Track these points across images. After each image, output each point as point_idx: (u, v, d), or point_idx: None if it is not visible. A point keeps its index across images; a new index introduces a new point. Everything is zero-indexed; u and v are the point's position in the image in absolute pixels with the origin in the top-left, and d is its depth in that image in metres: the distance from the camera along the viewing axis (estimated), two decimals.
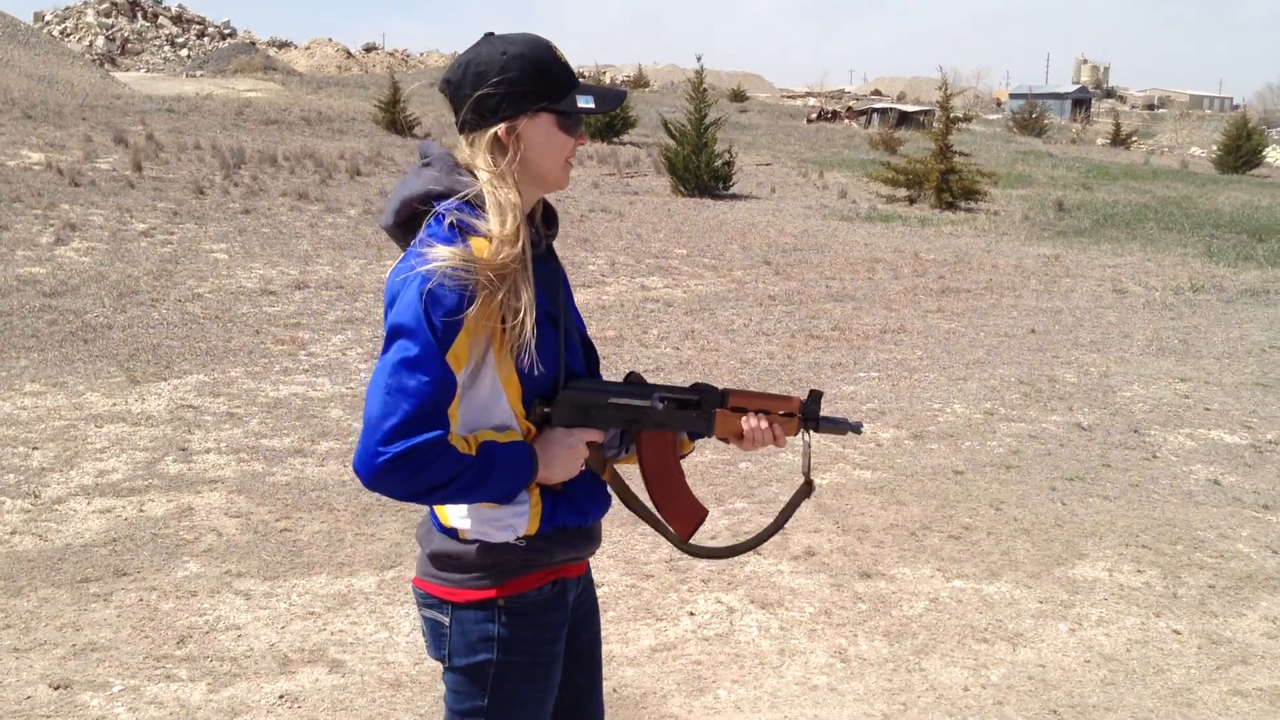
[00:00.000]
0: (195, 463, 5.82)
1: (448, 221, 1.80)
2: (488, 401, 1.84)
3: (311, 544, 4.89)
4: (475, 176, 1.86)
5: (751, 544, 2.16)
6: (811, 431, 2.10)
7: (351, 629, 4.14)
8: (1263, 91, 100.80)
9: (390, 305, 1.78)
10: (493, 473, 1.78)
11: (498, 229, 1.79)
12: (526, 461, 1.84)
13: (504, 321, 1.79)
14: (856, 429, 2.14)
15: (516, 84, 1.82)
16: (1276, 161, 41.60)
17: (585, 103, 1.90)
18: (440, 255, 1.74)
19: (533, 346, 1.82)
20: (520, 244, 1.80)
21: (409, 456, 1.69)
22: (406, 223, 1.89)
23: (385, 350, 1.75)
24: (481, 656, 1.92)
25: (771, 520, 2.17)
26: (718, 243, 14.55)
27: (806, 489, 2.13)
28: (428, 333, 1.71)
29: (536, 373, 1.85)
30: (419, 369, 1.70)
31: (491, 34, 1.90)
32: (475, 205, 1.83)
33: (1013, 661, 4.07)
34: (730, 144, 21.90)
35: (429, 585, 1.96)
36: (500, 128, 1.84)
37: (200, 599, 4.33)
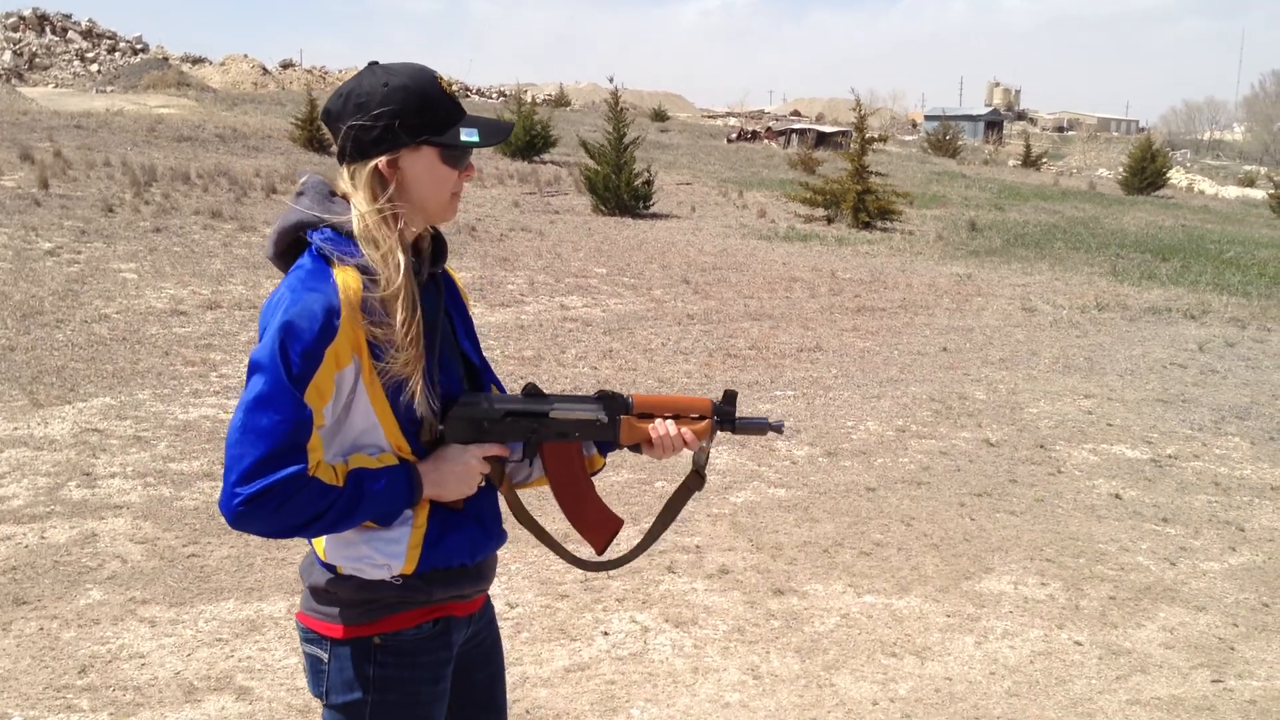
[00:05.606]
0: (100, 488, 5.69)
1: (317, 252, 1.78)
2: (362, 432, 1.82)
3: (220, 569, 4.81)
4: (352, 207, 1.82)
5: (643, 546, 2.11)
6: (727, 432, 2.04)
7: (260, 655, 4.07)
8: (1167, 115, 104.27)
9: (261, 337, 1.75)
10: (363, 502, 1.76)
11: (380, 270, 1.76)
12: (402, 483, 1.80)
13: (376, 355, 1.76)
14: (778, 428, 2.06)
15: (397, 116, 1.78)
16: (1180, 183, 42.97)
17: (469, 136, 1.85)
18: (302, 288, 1.73)
19: (420, 386, 1.80)
20: (400, 279, 1.77)
21: (267, 494, 1.66)
22: (285, 254, 1.85)
23: (246, 386, 1.72)
24: (358, 695, 1.89)
25: (657, 516, 2.12)
26: (637, 262, 14.62)
27: (696, 480, 2.07)
28: (280, 370, 1.68)
29: (411, 404, 1.82)
30: (271, 407, 1.67)
31: (375, 64, 1.86)
32: (347, 234, 1.79)
33: (920, 675, 4.15)
34: (650, 163, 22.02)
35: (309, 620, 1.93)
36: (381, 160, 1.80)
37: (103, 627, 4.23)
